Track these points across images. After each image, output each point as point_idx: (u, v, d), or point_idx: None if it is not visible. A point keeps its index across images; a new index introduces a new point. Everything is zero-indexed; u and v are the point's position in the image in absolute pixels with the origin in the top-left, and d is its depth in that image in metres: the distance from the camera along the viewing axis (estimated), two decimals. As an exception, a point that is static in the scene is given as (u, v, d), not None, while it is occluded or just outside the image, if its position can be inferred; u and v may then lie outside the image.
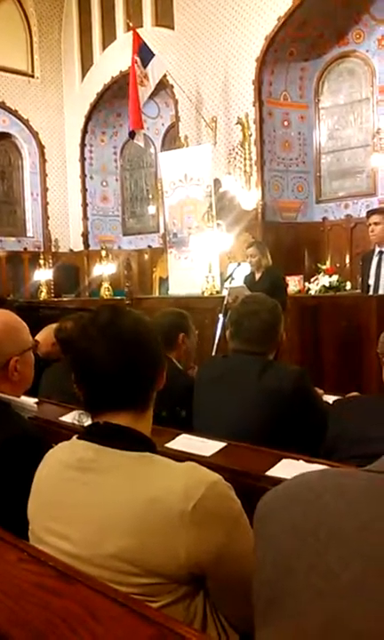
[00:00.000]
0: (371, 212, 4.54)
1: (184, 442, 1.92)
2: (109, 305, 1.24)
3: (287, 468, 1.67)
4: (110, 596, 0.92)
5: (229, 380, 2.14)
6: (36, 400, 2.45)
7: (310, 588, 0.72)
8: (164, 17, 9.57)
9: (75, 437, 1.18)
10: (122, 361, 1.12)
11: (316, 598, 0.70)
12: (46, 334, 3.18)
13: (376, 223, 4.44)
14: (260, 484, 1.62)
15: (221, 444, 1.88)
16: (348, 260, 7.98)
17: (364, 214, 7.20)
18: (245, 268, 5.53)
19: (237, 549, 1.04)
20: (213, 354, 4.72)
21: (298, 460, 1.71)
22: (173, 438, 1.96)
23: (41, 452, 1.24)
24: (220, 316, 4.85)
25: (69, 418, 2.23)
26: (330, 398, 2.45)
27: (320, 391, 2.46)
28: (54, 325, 3.10)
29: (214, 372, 2.22)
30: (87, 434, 1.15)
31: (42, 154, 11.41)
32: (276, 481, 1.59)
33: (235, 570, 1.04)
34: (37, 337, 2.99)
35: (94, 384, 1.14)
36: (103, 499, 1.06)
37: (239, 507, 1.08)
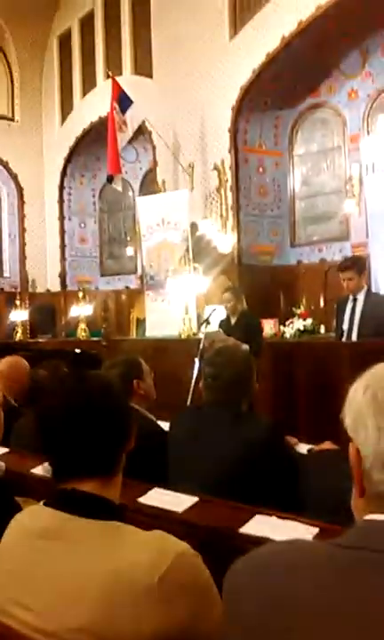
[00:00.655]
0: (342, 268, 4.58)
1: (156, 496, 1.90)
2: (74, 372, 1.24)
3: (260, 525, 1.65)
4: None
5: (203, 432, 2.14)
6: (6, 451, 2.41)
7: None
8: (143, 66, 9.87)
9: (41, 503, 1.16)
10: (87, 430, 1.12)
11: None
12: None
13: (349, 279, 4.50)
14: (234, 542, 1.60)
15: (194, 499, 1.86)
16: (322, 303, 8.09)
17: (337, 258, 7.37)
18: (221, 312, 5.58)
19: (206, 622, 1.01)
20: (189, 397, 4.70)
21: (271, 515, 1.70)
22: (145, 492, 1.93)
23: (7, 514, 1.21)
24: (196, 359, 4.86)
25: (41, 470, 2.20)
26: (303, 447, 2.46)
27: (293, 440, 2.46)
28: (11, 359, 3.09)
29: (188, 424, 2.22)
30: (54, 501, 1.13)
31: (20, 195, 11.52)
32: (250, 538, 1.57)
33: None
34: None
35: (60, 453, 1.13)
36: (68, 570, 1.03)
37: (207, 577, 1.06)
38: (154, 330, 7.78)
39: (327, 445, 2.38)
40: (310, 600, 0.73)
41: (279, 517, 1.70)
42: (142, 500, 1.88)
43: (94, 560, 1.02)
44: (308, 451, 2.42)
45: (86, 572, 1.01)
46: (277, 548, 0.88)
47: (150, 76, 9.60)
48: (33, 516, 1.15)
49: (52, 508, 1.12)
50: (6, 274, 11.37)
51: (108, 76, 8.98)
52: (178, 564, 1.01)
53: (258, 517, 1.71)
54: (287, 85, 8.39)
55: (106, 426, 1.14)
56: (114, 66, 10.05)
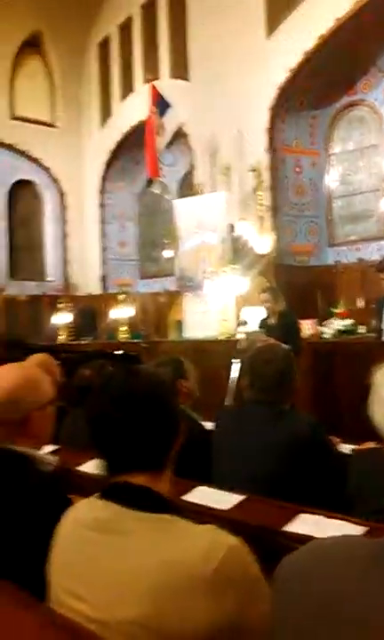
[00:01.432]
0: (380, 268, 4.54)
1: (201, 494, 1.92)
2: (125, 366, 1.26)
3: (306, 524, 1.66)
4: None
5: (246, 430, 2.15)
6: (56, 448, 2.47)
7: None
8: (180, 69, 9.93)
9: (94, 496, 1.19)
10: (138, 424, 1.13)
11: None
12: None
13: None
14: (279, 540, 1.61)
15: (239, 497, 1.87)
16: (361, 303, 7.98)
17: (375, 257, 7.27)
18: (261, 312, 5.58)
19: (257, 615, 1.02)
20: (228, 397, 4.71)
21: (316, 514, 1.70)
22: (190, 490, 1.96)
23: (61, 509, 1.24)
24: (235, 360, 4.87)
25: (89, 467, 2.24)
26: (346, 447, 2.44)
27: (336, 439, 2.45)
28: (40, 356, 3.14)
29: (231, 423, 2.24)
30: (107, 493, 1.15)
31: (62, 200, 11.72)
32: (295, 537, 1.58)
33: (254, 636, 1.02)
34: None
35: (111, 447, 1.15)
36: (121, 562, 1.05)
37: (258, 571, 1.06)
38: (192, 331, 7.81)
39: (370, 445, 2.36)
40: (359, 598, 0.73)
41: (325, 516, 1.70)
42: (187, 497, 1.90)
43: (147, 552, 1.04)
44: (352, 451, 2.40)
45: (139, 564, 1.03)
46: (326, 543, 0.89)
47: (187, 79, 9.66)
48: (87, 509, 1.17)
49: (104, 500, 1.15)
50: (49, 277, 11.58)
51: (147, 81, 9.08)
52: (231, 557, 1.02)
53: (303, 516, 1.72)
54: (323, 84, 8.32)
55: (157, 419, 1.15)
56: (152, 70, 10.16)
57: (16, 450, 1.57)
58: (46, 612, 1.08)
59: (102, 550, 1.09)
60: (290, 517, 1.71)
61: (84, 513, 1.17)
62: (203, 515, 1.72)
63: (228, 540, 1.05)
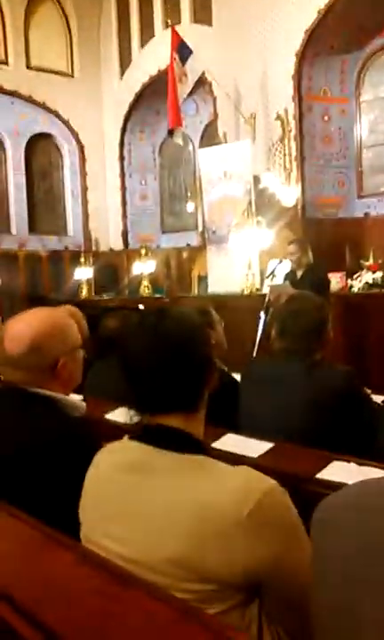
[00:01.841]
0: None
1: (230, 442, 1.90)
2: (157, 306, 1.22)
3: (339, 471, 1.63)
4: (168, 601, 0.90)
5: (276, 380, 2.11)
6: (82, 398, 2.47)
7: (377, 606, 0.69)
8: (202, 13, 9.52)
9: (126, 438, 1.17)
10: (172, 363, 1.11)
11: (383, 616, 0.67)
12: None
13: None
14: (311, 488, 1.58)
15: (269, 445, 1.85)
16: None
17: (407, 209, 7.05)
18: (287, 266, 5.47)
19: (294, 558, 1.01)
20: (255, 353, 4.67)
21: (349, 462, 1.67)
22: (219, 437, 1.94)
23: (92, 451, 1.24)
24: (262, 314, 4.80)
25: (115, 416, 2.24)
26: (378, 398, 2.40)
27: (367, 391, 2.40)
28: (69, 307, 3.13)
29: (261, 373, 2.19)
30: (140, 435, 1.14)
31: (81, 153, 11.53)
32: (328, 484, 1.55)
33: (291, 579, 1.01)
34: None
35: (144, 387, 1.13)
36: (156, 502, 1.04)
37: (296, 514, 1.05)
38: (216, 286, 7.74)
39: (403, 395, 2.31)
40: None
41: (358, 464, 1.67)
42: (216, 444, 1.88)
43: (183, 492, 1.02)
44: (383, 402, 2.36)
45: (175, 504, 1.02)
46: (369, 483, 0.85)
47: (210, 23, 9.26)
48: (119, 450, 1.16)
49: (137, 442, 1.13)
50: (70, 232, 11.51)
51: (167, 26, 8.73)
52: (267, 499, 1.01)
53: (335, 463, 1.69)
54: (355, 25, 7.90)
55: (189, 359, 1.12)
56: (172, 14, 9.76)
57: (46, 394, 1.56)
58: (81, 550, 1.07)
59: (136, 491, 1.08)
60: (322, 465, 1.69)
61: (117, 454, 1.16)
62: (234, 463, 1.71)
63: (264, 482, 1.04)
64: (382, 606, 0.68)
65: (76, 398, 1.72)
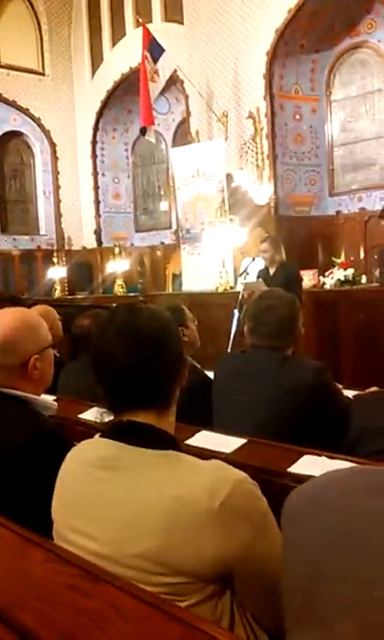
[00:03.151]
0: (383, 216, 4.45)
1: (204, 439, 1.91)
2: (127, 303, 1.23)
3: (309, 465, 1.65)
4: (138, 595, 0.91)
5: (248, 375, 2.13)
6: (55, 398, 2.46)
7: (344, 594, 0.70)
8: (174, 12, 9.52)
9: (97, 436, 1.17)
10: (141, 360, 1.11)
11: (350, 604, 0.69)
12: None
13: None
14: (282, 481, 1.60)
15: (242, 441, 1.87)
16: (362, 254, 7.91)
17: (378, 207, 7.15)
18: (260, 263, 5.50)
19: (264, 548, 1.03)
20: (229, 349, 4.70)
21: (320, 456, 1.70)
22: (193, 435, 1.95)
23: (63, 450, 1.24)
24: (235, 311, 4.83)
25: (89, 415, 2.23)
26: (349, 393, 2.43)
27: (339, 386, 2.44)
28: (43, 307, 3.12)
29: (233, 367, 2.21)
30: (110, 432, 1.14)
31: (53, 152, 11.44)
32: (299, 477, 1.57)
33: (262, 569, 1.02)
34: None
35: (115, 384, 1.13)
36: (128, 497, 1.05)
37: (265, 505, 1.07)
38: (190, 284, 7.76)
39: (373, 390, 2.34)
40: (376, 520, 0.72)
41: (328, 457, 1.69)
42: (190, 441, 1.89)
43: (154, 487, 1.03)
44: (354, 396, 2.39)
45: (146, 500, 1.03)
46: (335, 475, 0.87)
47: (181, 22, 9.26)
48: (90, 448, 1.16)
49: (108, 439, 1.13)
50: (42, 231, 11.42)
51: (139, 24, 8.71)
52: (238, 491, 1.02)
53: (307, 457, 1.71)
54: (324, 25, 7.99)
55: (160, 355, 1.13)
56: (143, 13, 9.73)
57: (16, 393, 1.55)
58: (53, 548, 1.07)
59: (108, 487, 1.08)
60: (294, 459, 1.71)
61: (89, 452, 1.16)
62: (206, 459, 1.72)
63: (234, 474, 1.05)
64: (344, 596, 0.70)
65: (47, 398, 1.72)
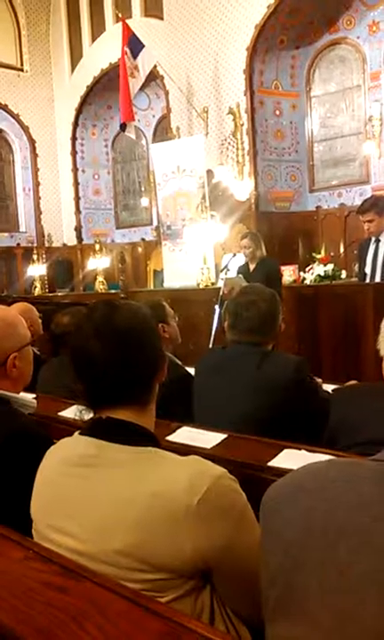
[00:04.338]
0: (362, 211, 4.47)
1: (185, 434, 1.92)
2: (105, 300, 1.22)
3: (290, 459, 1.66)
4: (118, 592, 0.91)
5: (228, 371, 2.13)
6: (35, 396, 2.44)
7: (321, 583, 0.71)
8: (153, 7, 9.48)
9: (77, 433, 1.17)
10: (119, 357, 1.10)
11: (327, 593, 0.70)
12: None
13: (369, 221, 4.40)
14: (263, 475, 1.61)
15: (222, 436, 1.87)
16: (342, 249, 7.97)
17: (357, 202, 7.18)
18: (240, 259, 5.51)
19: (243, 543, 1.03)
20: (211, 346, 4.70)
21: (300, 449, 1.71)
22: (174, 431, 1.95)
23: (43, 448, 1.23)
24: (216, 307, 4.83)
25: (69, 413, 2.22)
26: (328, 387, 2.45)
27: (318, 380, 2.46)
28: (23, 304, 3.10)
29: (213, 363, 2.21)
30: (89, 429, 1.14)
31: (33, 148, 11.33)
32: (279, 471, 1.58)
33: (241, 564, 1.03)
34: None
35: (93, 381, 1.13)
36: (107, 494, 1.04)
37: (244, 500, 1.07)
38: (171, 281, 7.75)
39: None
40: (353, 509, 0.72)
41: (309, 451, 1.70)
42: (171, 437, 1.89)
43: (133, 484, 1.03)
44: (333, 390, 2.41)
45: (125, 496, 1.02)
46: (312, 467, 0.88)
47: (161, 17, 9.23)
48: (69, 445, 1.16)
49: (87, 436, 1.13)
50: (22, 228, 11.32)
51: (118, 19, 8.65)
52: (216, 487, 1.02)
53: (287, 451, 1.72)
54: (304, 21, 8.01)
55: (138, 352, 1.13)
56: (123, 8, 9.68)
57: (-6, 391, 1.54)
58: (32, 546, 1.06)
59: (87, 484, 1.08)
60: (274, 453, 1.72)
61: (68, 450, 1.16)
62: (187, 455, 1.73)
63: (213, 470, 1.05)
64: (321, 585, 0.71)
65: (26, 396, 1.71)
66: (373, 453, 0.81)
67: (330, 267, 5.73)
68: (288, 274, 6.32)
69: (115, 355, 1.10)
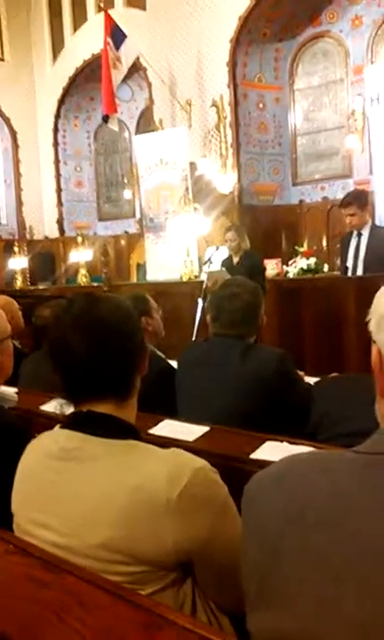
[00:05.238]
0: (344, 204, 4.49)
1: (167, 427, 1.91)
2: (85, 292, 1.21)
3: (272, 451, 1.67)
4: (99, 584, 0.91)
5: (211, 364, 2.13)
6: (16, 390, 2.42)
7: (299, 572, 0.71)
8: (135, -3, 9.40)
9: (57, 427, 1.16)
10: (99, 350, 1.10)
11: (307, 584, 0.70)
12: None
13: (351, 214, 4.42)
14: (245, 468, 1.62)
15: (205, 429, 1.87)
16: (325, 242, 8.00)
17: (340, 196, 7.21)
18: (224, 252, 5.52)
19: (225, 535, 1.03)
20: (194, 338, 4.70)
21: (282, 441, 1.72)
22: (156, 424, 1.95)
23: (23, 442, 1.22)
24: (200, 300, 4.83)
25: (50, 407, 2.20)
26: (311, 380, 2.47)
27: (301, 373, 2.47)
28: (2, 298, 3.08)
29: (195, 356, 2.21)
30: (70, 423, 1.13)
31: (14, 139, 11.20)
32: (261, 463, 1.59)
33: (222, 555, 1.03)
34: None
35: (73, 374, 1.12)
36: (88, 488, 1.04)
37: (225, 492, 1.07)
38: (155, 274, 7.73)
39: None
40: (331, 499, 0.73)
41: (291, 443, 1.71)
42: (153, 431, 1.89)
43: (113, 477, 1.03)
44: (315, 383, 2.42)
45: (106, 490, 1.02)
46: (294, 459, 0.88)
47: (143, 7, 9.15)
48: (50, 439, 1.15)
49: (68, 430, 1.12)
50: (3, 221, 11.20)
51: (100, 9, 8.56)
52: (197, 479, 1.02)
53: (269, 443, 1.73)
54: (287, 13, 7.99)
55: (118, 344, 1.12)
56: (105, -3, 9.57)
57: (-26, 385, 1.52)
58: (13, 540, 1.06)
59: (68, 478, 1.07)
60: (256, 445, 1.72)
61: (48, 443, 1.15)
62: (169, 447, 1.73)
63: (193, 462, 1.06)
64: (300, 572, 0.71)
65: (7, 390, 1.69)
66: (355, 445, 0.82)
67: (312, 260, 5.76)
68: (271, 267, 6.34)
69: (94, 347, 1.09)
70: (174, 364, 2.46)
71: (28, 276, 9.77)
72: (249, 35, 8.03)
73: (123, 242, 10.76)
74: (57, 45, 11.03)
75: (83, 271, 8.86)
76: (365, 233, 4.47)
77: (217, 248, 5.52)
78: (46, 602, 0.89)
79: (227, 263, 5.39)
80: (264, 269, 5.54)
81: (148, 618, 0.84)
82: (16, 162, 11.25)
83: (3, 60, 11.05)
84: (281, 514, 0.77)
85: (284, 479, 0.81)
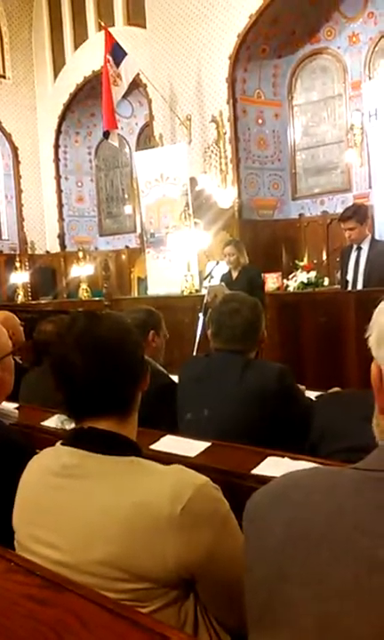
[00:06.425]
0: (343, 219, 4.51)
1: (168, 443, 1.91)
2: (86, 310, 1.22)
3: (273, 466, 1.66)
4: (100, 602, 0.90)
5: (212, 379, 2.13)
6: (17, 405, 2.42)
7: (303, 590, 0.71)
8: (136, 16, 9.52)
9: (59, 443, 1.16)
10: (100, 367, 1.10)
11: (309, 601, 0.70)
12: None
13: (351, 229, 4.44)
14: (247, 483, 1.61)
15: (206, 444, 1.87)
16: (325, 256, 8.03)
17: (339, 210, 7.25)
18: (224, 267, 5.53)
19: (226, 552, 1.03)
20: (194, 353, 4.70)
21: (283, 457, 1.71)
22: (158, 439, 1.94)
23: (24, 459, 1.22)
24: (200, 315, 4.84)
25: (52, 423, 2.20)
26: (311, 394, 2.46)
27: (302, 387, 2.47)
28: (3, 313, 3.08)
29: (196, 371, 2.21)
30: (71, 440, 1.13)
31: (15, 155, 11.29)
32: (263, 479, 1.58)
33: (224, 572, 1.03)
34: None
35: (75, 391, 1.12)
36: (89, 505, 1.04)
37: (227, 508, 1.07)
38: (155, 288, 7.75)
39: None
40: (333, 517, 0.73)
41: (292, 458, 1.70)
42: (155, 446, 1.89)
43: (115, 494, 1.03)
44: (316, 397, 2.42)
45: (108, 506, 1.02)
46: (295, 475, 0.88)
47: (144, 26, 9.27)
48: (51, 456, 1.15)
49: (69, 447, 1.12)
50: (4, 236, 11.26)
51: (101, 27, 8.68)
52: (199, 495, 1.02)
53: (270, 459, 1.72)
54: (286, 31, 8.10)
55: (120, 362, 1.12)
56: (106, 16, 9.71)
57: (-25, 401, 1.53)
58: (14, 558, 1.05)
59: (70, 495, 1.07)
60: (257, 461, 1.71)
61: (50, 460, 1.15)
62: (171, 463, 1.72)
63: (195, 479, 1.05)
64: (305, 594, 0.71)
65: (8, 406, 1.69)
66: (355, 460, 0.81)
67: (312, 274, 5.78)
68: (272, 281, 6.36)
69: (96, 366, 1.10)
70: (175, 378, 2.45)
71: (29, 290, 9.81)
72: (248, 51, 8.13)
73: (124, 256, 10.80)
74: (58, 62, 11.17)
75: (84, 286, 8.90)
76: (365, 246, 4.49)
77: (217, 262, 5.53)
78: (46, 620, 0.88)
79: (226, 278, 5.41)
80: (263, 284, 5.55)
81: (149, 637, 0.84)
82: (17, 177, 11.33)
83: (4, 77, 11.19)
84: (284, 533, 0.76)
85: (285, 496, 0.81)
